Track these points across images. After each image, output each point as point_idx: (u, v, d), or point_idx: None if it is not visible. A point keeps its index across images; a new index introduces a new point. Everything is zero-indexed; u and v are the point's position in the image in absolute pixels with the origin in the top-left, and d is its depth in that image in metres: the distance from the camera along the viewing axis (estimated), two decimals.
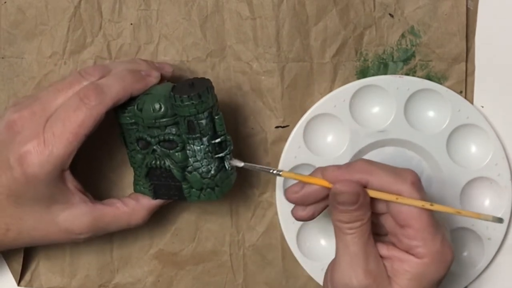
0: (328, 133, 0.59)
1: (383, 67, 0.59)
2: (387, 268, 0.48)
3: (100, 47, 0.58)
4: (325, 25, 0.58)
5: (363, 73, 0.59)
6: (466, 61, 0.59)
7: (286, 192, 0.51)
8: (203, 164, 0.52)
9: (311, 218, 0.51)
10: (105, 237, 0.57)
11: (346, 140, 0.58)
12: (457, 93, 0.59)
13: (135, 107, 0.52)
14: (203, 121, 0.51)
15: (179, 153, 0.52)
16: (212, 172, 0.52)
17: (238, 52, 0.58)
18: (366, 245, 0.48)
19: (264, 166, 0.53)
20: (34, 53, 0.58)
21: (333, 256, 0.50)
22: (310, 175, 0.50)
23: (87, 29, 0.58)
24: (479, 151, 0.59)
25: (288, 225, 0.59)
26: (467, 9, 0.58)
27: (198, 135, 0.51)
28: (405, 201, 0.47)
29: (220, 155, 0.52)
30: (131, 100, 0.52)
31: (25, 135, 0.50)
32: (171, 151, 0.52)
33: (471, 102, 0.59)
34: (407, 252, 0.48)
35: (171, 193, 0.54)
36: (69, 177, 0.52)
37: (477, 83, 0.60)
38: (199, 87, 0.51)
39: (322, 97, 0.58)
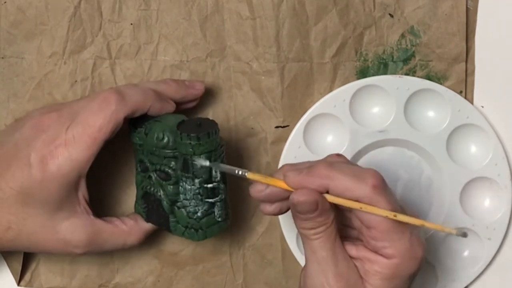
0: (328, 133, 0.59)
1: (383, 67, 0.59)
2: (359, 269, 0.48)
3: (100, 47, 0.58)
4: (325, 25, 0.58)
5: (363, 73, 0.59)
6: (466, 61, 0.59)
7: (251, 189, 0.50)
8: (191, 204, 0.52)
9: (278, 213, 0.50)
10: None
11: (346, 140, 0.58)
12: (457, 93, 0.59)
13: (144, 131, 0.52)
14: (197, 163, 0.50)
15: (172, 186, 0.52)
16: (199, 214, 0.52)
17: (238, 52, 0.58)
18: (333, 248, 0.48)
19: (231, 167, 0.51)
20: (34, 53, 0.58)
21: None
22: (275, 174, 0.49)
23: (87, 29, 0.58)
24: (479, 151, 0.59)
25: (288, 225, 0.59)
26: (467, 9, 0.59)
27: (190, 175, 0.51)
28: (367, 209, 0.45)
29: (210, 200, 0.52)
30: (143, 121, 0.52)
31: (49, 134, 0.50)
32: (164, 182, 0.52)
33: (471, 102, 0.59)
34: (376, 252, 0.47)
35: (160, 222, 0.54)
36: (82, 185, 0.52)
37: (477, 83, 0.60)
38: (203, 129, 0.50)
39: (322, 97, 0.58)
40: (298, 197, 0.47)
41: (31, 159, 0.49)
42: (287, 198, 0.49)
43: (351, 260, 0.48)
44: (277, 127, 0.59)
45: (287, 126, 0.59)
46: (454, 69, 0.59)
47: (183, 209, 0.52)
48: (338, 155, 0.50)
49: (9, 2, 0.58)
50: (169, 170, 0.52)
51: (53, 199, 0.51)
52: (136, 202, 0.56)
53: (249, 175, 0.49)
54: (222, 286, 0.61)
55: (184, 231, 0.53)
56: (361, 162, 0.59)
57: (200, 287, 0.61)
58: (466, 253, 0.60)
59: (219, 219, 0.53)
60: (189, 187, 0.51)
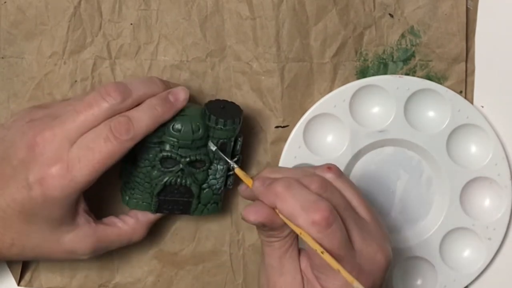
0: (328, 133, 0.59)
1: (383, 67, 0.59)
2: (305, 284, 0.48)
3: (100, 47, 0.58)
4: (325, 25, 0.58)
5: (363, 73, 0.59)
6: (466, 61, 0.59)
7: (239, 187, 0.52)
8: (219, 181, 0.54)
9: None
10: None
11: (346, 140, 0.58)
12: (457, 93, 0.59)
13: (171, 128, 0.52)
14: (232, 144, 0.53)
15: (204, 172, 0.53)
16: (222, 188, 0.54)
17: (238, 52, 0.58)
18: (282, 259, 0.48)
19: (226, 158, 0.52)
20: (34, 53, 0.58)
21: None
22: (259, 174, 0.51)
23: (87, 29, 0.58)
24: (479, 151, 0.59)
25: None
26: (467, 9, 0.59)
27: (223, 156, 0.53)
28: (305, 237, 0.45)
29: (231, 172, 0.54)
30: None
31: (48, 157, 0.49)
32: (197, 170, 0.53)
33: (471, 102, 0.59)
34: (316, 278, 0.48)
35: (175, 208, 0.55)
36: (81, 199, 0.52)
37: (477, 83, 0.60)
38: (234, 111, 0.52)
39: (322, 97, 0.58)
40: (247, 215, 0.48)
41: (30, 181, 0.49)
42: None
43: (300, 273, 0.48)
44: (277, 127, 0.59)
45: (287, 126, 0.59)
46: (454, 69, 0.59)
47: (208, 189, 0.54)
48: (329, 168, 0.50)
49: (9, 2, 0.58)
50: (204, 158, 0.53)
51: (55, 216, 0.51)
52: (133, 197, 0.55)
53: (236, 170, 0.52)
54: (222, 286, 0.61)
55: (204, 209, 0.55)
56: (361, 162, 0.59)
57: (200, 287, 0.61)
58: (466, 253, 0.60)
59: (230, 187, 0.55)
60: (221, 167, 0.53)
